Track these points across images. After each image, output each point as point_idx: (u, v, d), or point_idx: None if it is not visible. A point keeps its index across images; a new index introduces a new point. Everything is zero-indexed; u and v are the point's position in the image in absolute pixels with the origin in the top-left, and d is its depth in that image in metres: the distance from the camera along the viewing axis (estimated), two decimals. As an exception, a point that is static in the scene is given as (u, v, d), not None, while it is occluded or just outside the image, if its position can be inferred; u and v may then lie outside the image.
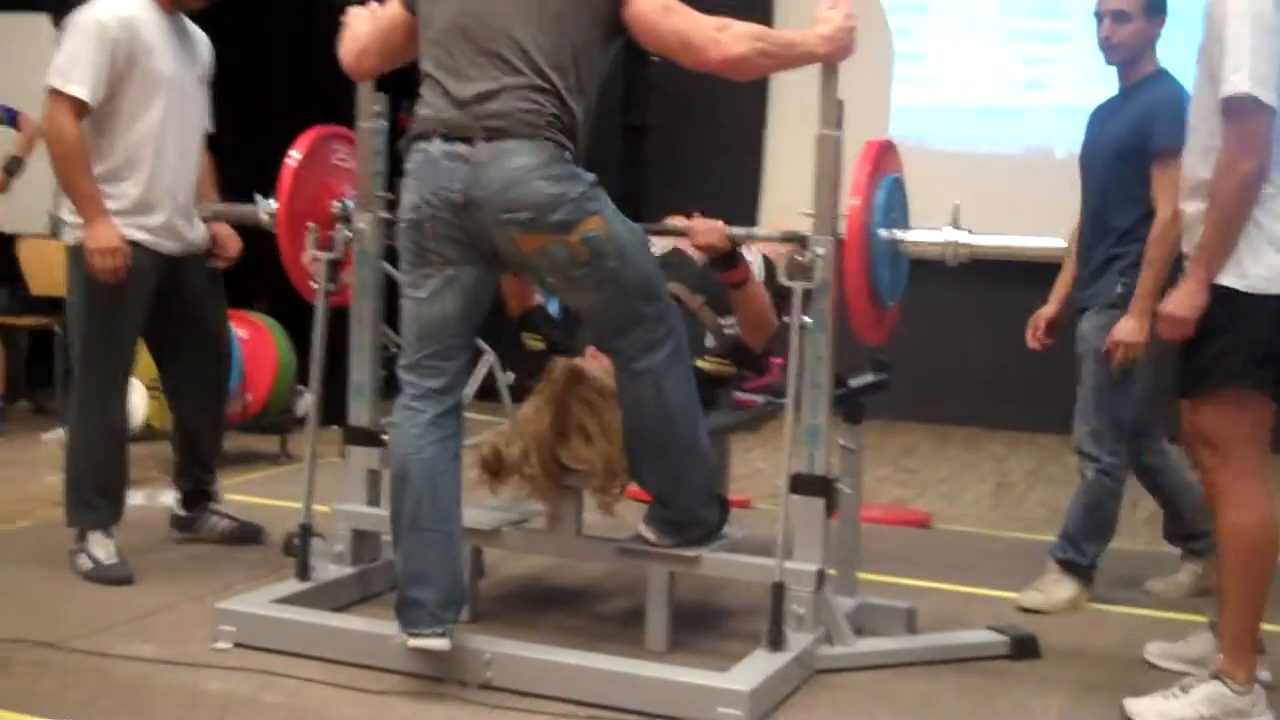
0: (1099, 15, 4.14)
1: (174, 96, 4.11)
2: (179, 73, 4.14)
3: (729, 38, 3.17)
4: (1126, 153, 4.05)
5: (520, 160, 3.12)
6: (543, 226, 3.14)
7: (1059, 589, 4.18)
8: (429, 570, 3.24)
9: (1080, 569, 4.20)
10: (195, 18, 4.29)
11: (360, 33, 3.47)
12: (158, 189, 4.09)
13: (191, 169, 4.22)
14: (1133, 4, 4.06)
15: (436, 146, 3.20)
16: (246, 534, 4.52)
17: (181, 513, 4.57)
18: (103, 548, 4.07)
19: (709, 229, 3.59)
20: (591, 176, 3.24)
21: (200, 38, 4.33)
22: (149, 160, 4.07)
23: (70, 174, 3.98)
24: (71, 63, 3.96)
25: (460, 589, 3.33)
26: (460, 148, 3.16)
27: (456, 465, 3.32)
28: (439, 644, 3.21)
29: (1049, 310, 4.39)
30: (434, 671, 3.29)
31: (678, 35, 3.18)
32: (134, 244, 4.05)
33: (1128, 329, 3.92)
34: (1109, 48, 4.14)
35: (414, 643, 3.22)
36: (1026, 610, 4.10)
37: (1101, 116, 4.28)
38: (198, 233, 4.27)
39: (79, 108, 3.95)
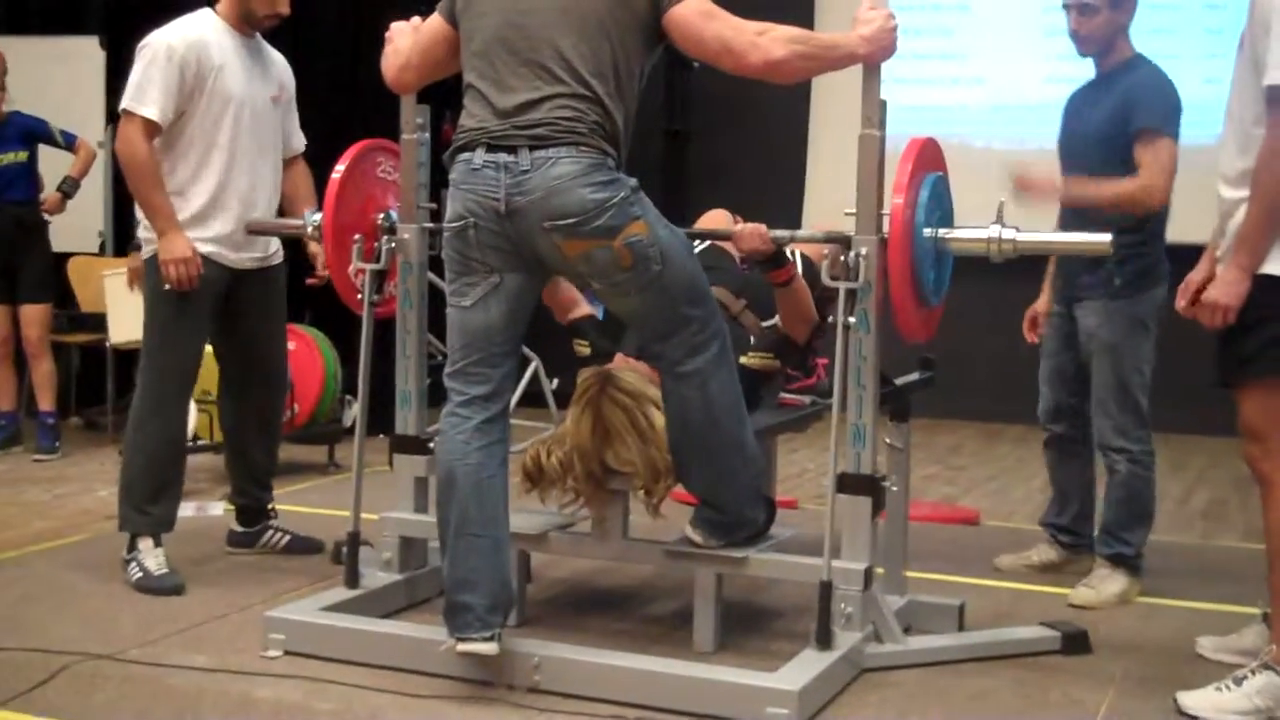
0: (1066, 8, 4.19)
1: (244, 115, 4.20)
2: (250, 92, 4.22)
3: (769, 41, 3.16)
4: (1111, 139, 4.08)
5: (563, 168, 3.15)
6: (586, 233, 3.16)
7: (1109, 584, 4.16)
8: (476, 575, 3.26)
9: (1129, 560, 4.19)
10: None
11: (403, 47, 3.50)
12: (224, 203, 4.17)
13: (266, 186, 4.31)
14: None
15: (480, 156, 3.22)
16: (305, 548, 4.56)
17: (239, 529, 4.61)
18: (153, 558, 4.12)
19: (751, 233, 3.59)
20: (633, 182, 3.25)
21: (277, 59, 4.41)
22: (217, 175, 4.17)
23: (144, 189, 4.10)
24: (143, 85, 4.07)
25: (508, 593, 3.34)
26: (503, 157, 3.19)
27: (503, 470, 3.34)
28: (487, 648, 3.23)
29: (1043, 303, 4.45)
30: (483, 676, 3.30)
31: (719, 40, 3.18)
32: (203, 258, 4.14)
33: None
34: (1078, 40, 4.21)
35: (462, 647, 3.24)
36: (1078, 607, 4.08)
37: (1079, 104, 4.32)
38: (266, 248, 4.34)
39: (150, 128, 4.07)
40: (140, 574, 4.09)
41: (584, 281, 3.37)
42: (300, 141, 4.50)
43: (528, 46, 3.22)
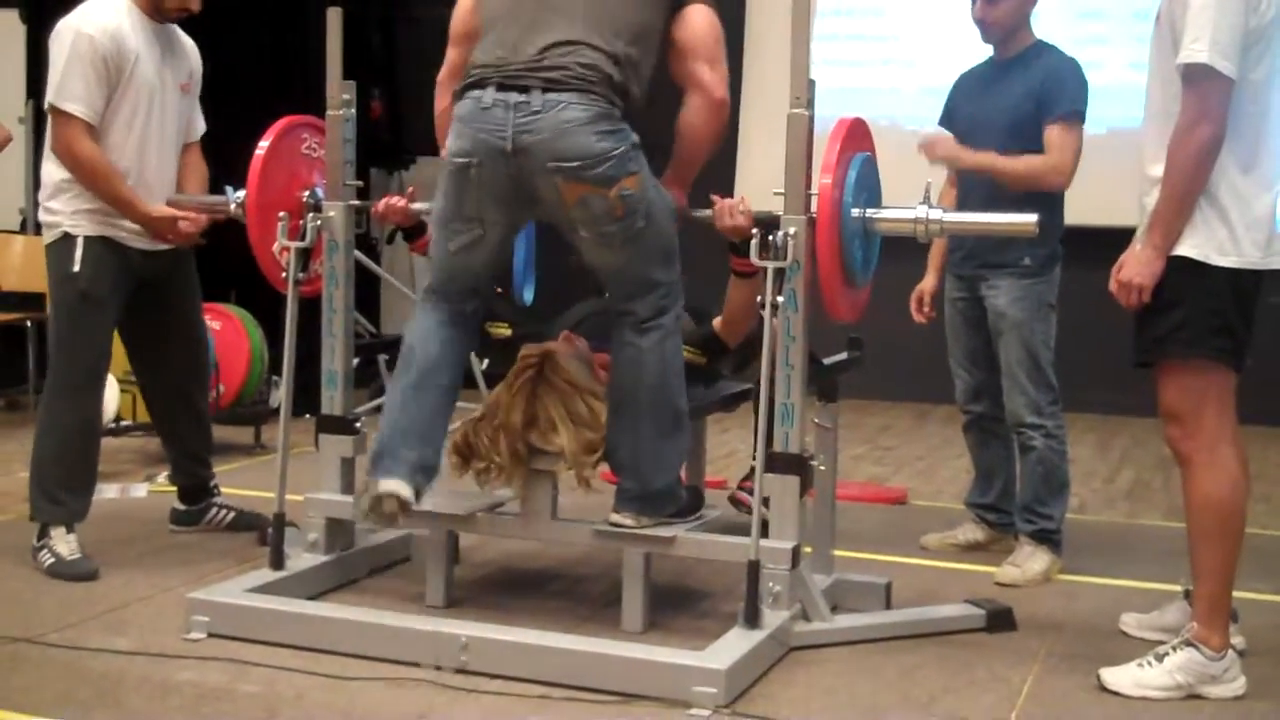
0: None
1: (156, 102, 4.13)
2: (163, 79, 4.16)
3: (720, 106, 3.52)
4: (1023, 121, 4.15)
5: (572, 112, 3.25)
6: (587, 178, 3.27)
7: (1034, 562, 4.20)
8: (415, 426, 3.43)
9: (1051, 536, 4.24)
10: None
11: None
12: (138, 190, 4.10)
13: (171, 171, 4.25)
14: None
15: (490, 95, 3.30)
16: (249, 523, 4.50)
17: (181, 507, 4.57)
18: (65, 543, 4.04)
19: (731, 208, 3.50)
20: (635, 138, 3.35)
21: (189, 46, 4.35)
22: (131, 163, 4.10)
23: (103, 188, 4.05)
24: (69, 80, 3.99)
25: (436, 463, 3.48)
26: (514, 96, 3.28)
27: (459, 363, 3.55)
28: (405, 491, 3.37)
29: (929, 283, 4.51)
30: (410, 656, 3.28)
31: (710, 59, 3.48)
32: (110, 241, 4.09)
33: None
34: (984, 27, 4.28)
35: (383, 485, 3.37)
36: (1004, 585, 4.12)
37: (975, 87, 4.39)
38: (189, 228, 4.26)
39: (88, 129, 4.00)
40: (52, 560, 4.01)
41: (573, 230, 3.39)
42: (200, 128, 4.41)
43: (551, 8, 3.36)
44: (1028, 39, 4.28)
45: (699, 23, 3.47)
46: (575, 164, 3.26)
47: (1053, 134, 4.10)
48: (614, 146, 3.28)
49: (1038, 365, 4.22)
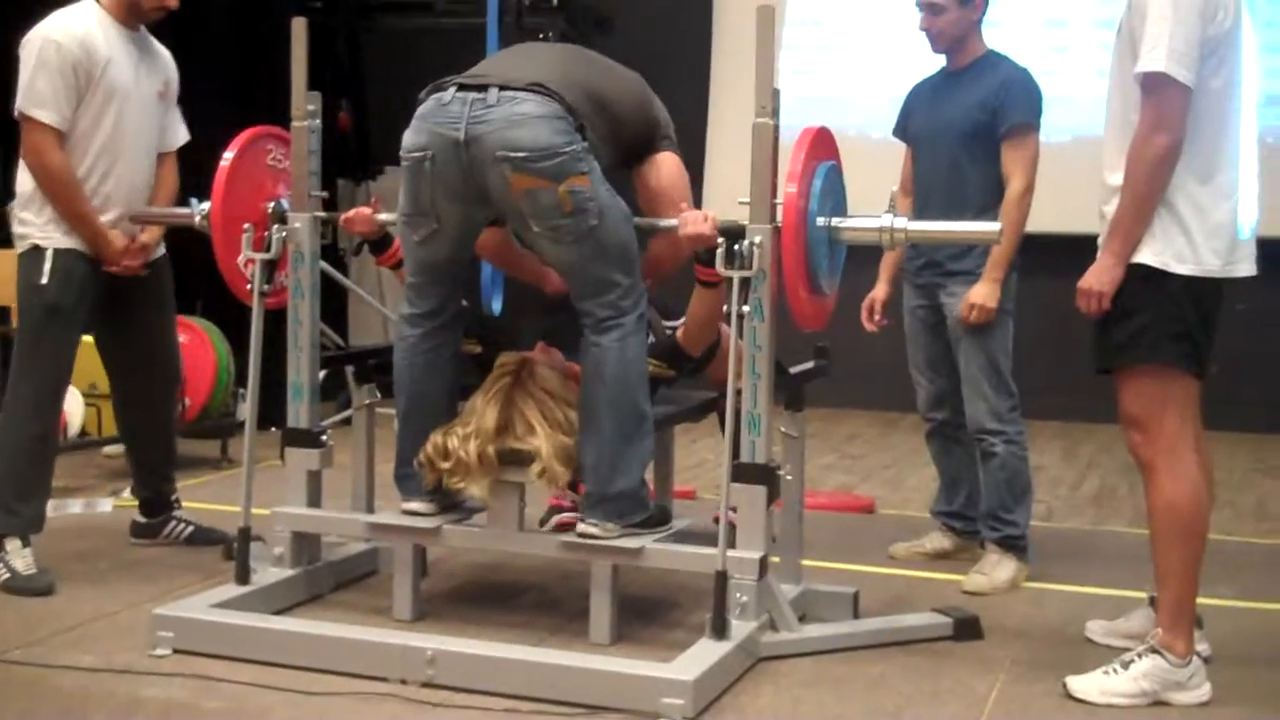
0: (918, 5, 4.29)
1: (129, 109, 4.12)
2: (135, 85, 4.15)
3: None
4: (978, 130, 4.20)
5: (526, 107, 3.37)
6: (534, 170, 3.34)
7: (1000, 570, 4.22)
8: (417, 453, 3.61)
9: (1017, 542, 4.26)
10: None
11: None
12: (107, 198, 4.09)
13: (143, 180, 4.23)
14: None
15: (450, 94, 3.44)
16: (207, 538, 4.48)
17: (142, 520, 4.56)
18: (21, 558, 4.00)
19: (697, 218, 3.49)
20: (586, 145, 3.42)
21: (162, 53, 4.33)
22: (101, 171, 4.09)
23: (64, 200, 4.04)
24: (37, 87, 3.98)
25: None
26: (472, 95, 3.41)
27: (449, 368, 3.68)
28: (426, 507, 3.65)
29: (881, 291, 4.53)
30: (377, 671, 3.27)
31: (668, 205, 3.62)
32: (79, 254, 4.07)
33: (983, 292, 4.13)
34: (930, 37, 4.32)
35: (405, 505, 3.67)
36: (971, 594, 4.13)
37: (929, 97, 4.42)
38: (146, 240, 4.25)
39: (58, 136, 3.99)
40: (8, 575, 3.98)
41: (524, 224, 3.45)
42: (179, 137, 4.40)
43: (529, 57, 3.65)
44: (978, 49, 4.31)
45: (671, 170, 3.67)
46: (522, 154, 3.33)
47: (1009, 154, 4.16)
48: (565, 143, 3.36)
49: (997, 371, 4.24)
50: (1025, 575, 4.25)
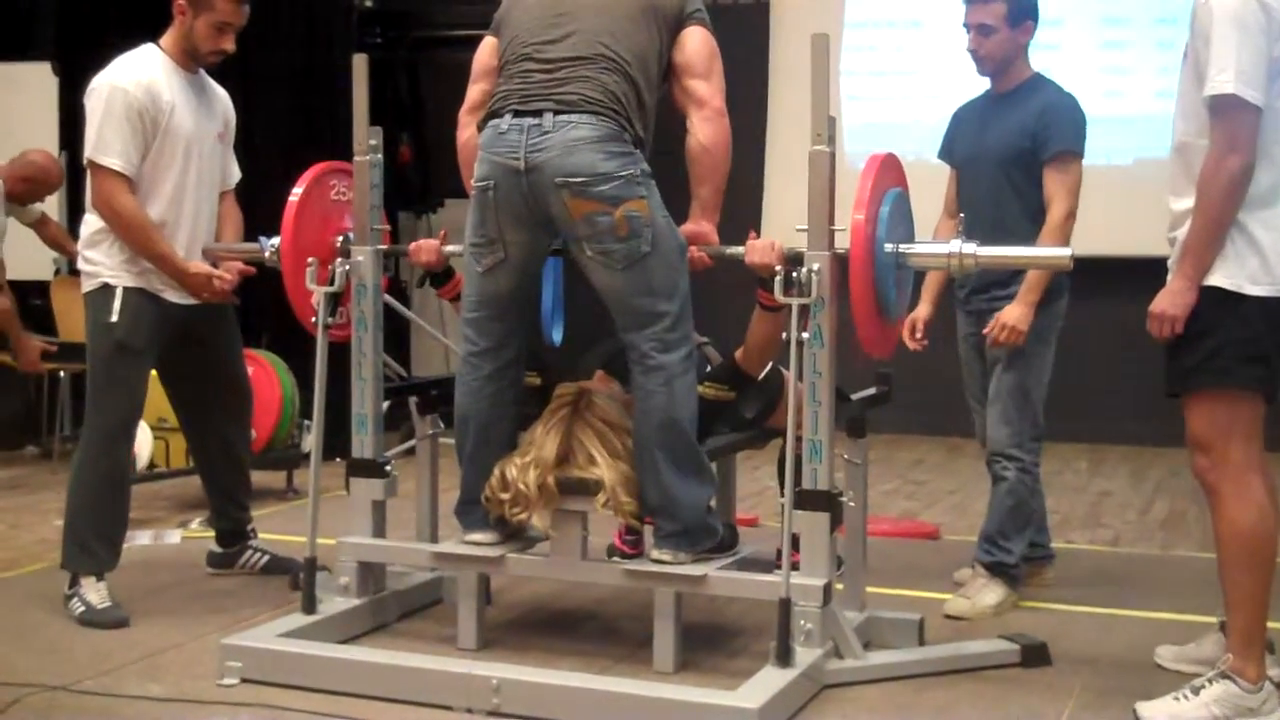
0: (965, 27, 4.25)
1: (193, 153, 4.18)
2: (199, 129, 4.21)
3: (722, 124, 3.62)
4: (1020, 155, 4.15)
5: (581, 131, 3.39)
6: (592, 194, 3.38)
7: (986, 594, 4.17)
8: (480, 494, 3.64)
9: (1009, 569, 4.21)
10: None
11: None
12: (173, 239, 4.14)
13: (207, 221, 4.29)
14: (995, 17, 4.16)
15: (506, 121, 3.46)
16: (283, 567, 4.52)
17: (218, 550, 4.62)
18: (95, 592, 4.06)
19: (764, 247, 3.53)
20: (646, 167, 3.46)
21: (220, 95, 4.40)
22: (169, 215, 4.14)
23: (142, 244, 4.09)
24: (106, 135, 4.04)
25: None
26: (528, 120, 3.43)
27: (512, 410, 3.69)
28: (488, 537, 3.67)
29: (923, 311, 4.45)
30: (442, 699, 3.28)
31: (708, 73, 3.59)
32: (148, 292, 4.13)
33: (1016, 315, 4.07)
34: (977, 59, 4.27)
35: (468, 536, 3.70)
36: (952, 618, 4.10)
37: (973, 120, 4.38)
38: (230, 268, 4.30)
39: (127, 183, 4.05)
40: (83, 609, 4.04)
41: (580, 247, 3.48)
42: (235, 176, 4.46)
43: (570, 20, 3.52)
44: (1024, 72, 4.26)
45: (694, 42, 3.60)
46: (581, 180, 3.37)
47: (1052, 180, 4.10)
48: (621, 167, 3.39)
49: (1027, 398, 4.18)
50: (1014, 602, 4.20)
